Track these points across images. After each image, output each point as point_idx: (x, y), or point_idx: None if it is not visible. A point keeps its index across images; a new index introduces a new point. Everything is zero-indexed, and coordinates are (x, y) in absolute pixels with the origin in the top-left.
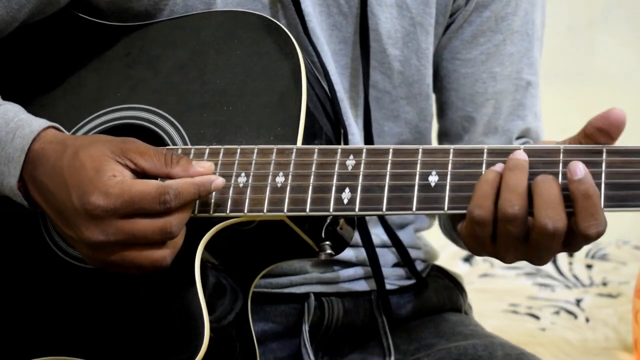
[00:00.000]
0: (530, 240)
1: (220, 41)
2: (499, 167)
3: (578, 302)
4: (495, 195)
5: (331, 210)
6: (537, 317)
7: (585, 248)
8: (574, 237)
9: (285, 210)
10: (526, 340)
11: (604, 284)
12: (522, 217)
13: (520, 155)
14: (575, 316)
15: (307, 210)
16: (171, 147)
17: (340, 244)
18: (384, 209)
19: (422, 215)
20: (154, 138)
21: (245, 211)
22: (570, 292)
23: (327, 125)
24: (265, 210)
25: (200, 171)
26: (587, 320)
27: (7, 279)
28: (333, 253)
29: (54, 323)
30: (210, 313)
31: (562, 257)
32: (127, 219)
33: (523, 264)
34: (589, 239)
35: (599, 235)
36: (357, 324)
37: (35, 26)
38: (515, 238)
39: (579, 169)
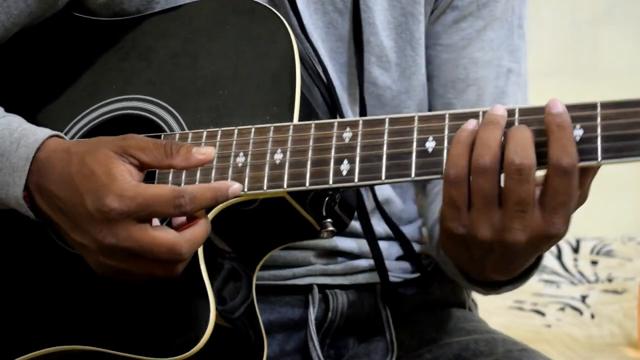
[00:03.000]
0: (503, 197)
1: (212, 28)
2: (471, 124)
3: (583, 298)
4: (469, 153)
5: (330, 182)
6: (542, 314)
7: (591, 244)
8: (546, 183)
9: (285, 186)
10: (531, 337)
11: (609, 280)
12: (493, 169)
13: (497, 111)
14: (581, 312)
15: (307, 184)
16: (169, 133)
17: (341, 222)
18: (383, 178)
19: (428, 211)
20: (152, 127)
21: (246, 189)
22: (575, 288)
23: (324, 111)
24: (265, 187)
25: (201, 159)
26: (593, 316)
27: (11, 273)
28: (335, 230)
29: (60, 313)
30: (215, 294)
31: (567, 254)
32: (141, 224)
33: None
34: (560, 174)
35: (570, 168)
36: (362, 317)
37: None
38: (488, 196)
39: (558, 103)
